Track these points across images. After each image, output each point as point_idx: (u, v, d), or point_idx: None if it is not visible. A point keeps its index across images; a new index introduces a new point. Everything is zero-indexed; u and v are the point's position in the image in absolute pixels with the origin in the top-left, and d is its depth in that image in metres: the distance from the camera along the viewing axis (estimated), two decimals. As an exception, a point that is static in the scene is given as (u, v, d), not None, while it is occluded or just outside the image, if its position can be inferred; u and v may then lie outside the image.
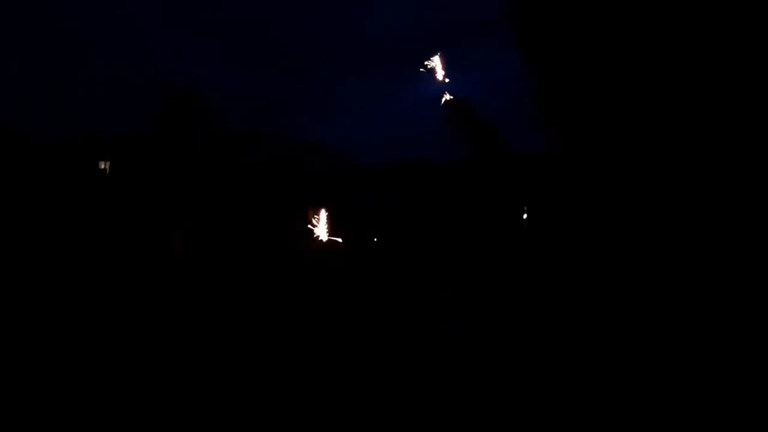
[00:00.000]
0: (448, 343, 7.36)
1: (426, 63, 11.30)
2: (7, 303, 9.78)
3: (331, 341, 7.79)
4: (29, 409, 5.54)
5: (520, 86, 10.32)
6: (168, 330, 8.39)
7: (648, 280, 7.50)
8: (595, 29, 8.79)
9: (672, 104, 7.73)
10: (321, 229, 12.38)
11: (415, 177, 17.28)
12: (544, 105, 10.13)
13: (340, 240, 12.42)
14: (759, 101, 6.99)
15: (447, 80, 11.15)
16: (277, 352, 7.38)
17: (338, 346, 7.57)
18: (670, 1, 7.92)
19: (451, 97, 11.34)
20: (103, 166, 15.25)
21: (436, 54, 11.12)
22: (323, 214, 12.47)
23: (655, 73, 8.08)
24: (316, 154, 18.54)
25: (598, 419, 5.20)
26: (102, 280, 12.09)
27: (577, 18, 8.96)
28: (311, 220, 12.17)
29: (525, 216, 11.56)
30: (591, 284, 7.99)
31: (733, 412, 5.07)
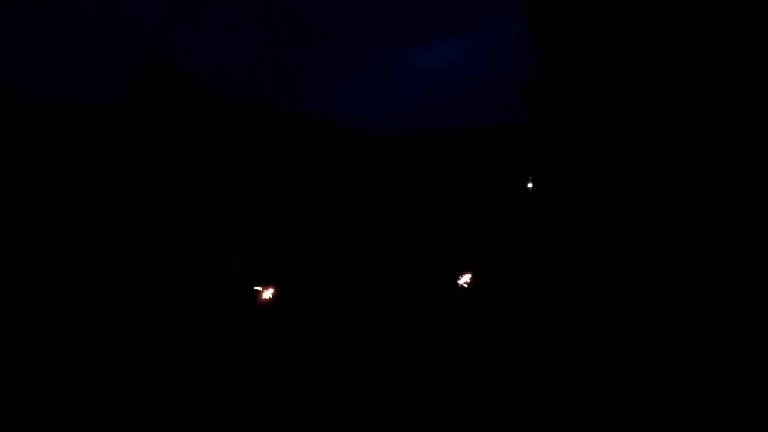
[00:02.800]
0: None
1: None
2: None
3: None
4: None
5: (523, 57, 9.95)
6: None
7: (648, 280, 7.50)
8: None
9: (680, 99, 7.39)
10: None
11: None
12: (547, 75, 9.79)
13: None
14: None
15: None
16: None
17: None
18: None
19: None
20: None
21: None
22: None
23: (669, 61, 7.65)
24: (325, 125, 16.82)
25: (598, 420, 5.44)
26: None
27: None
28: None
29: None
30: (590, 284, 8.02)
31: (733, 413, 5.17)
